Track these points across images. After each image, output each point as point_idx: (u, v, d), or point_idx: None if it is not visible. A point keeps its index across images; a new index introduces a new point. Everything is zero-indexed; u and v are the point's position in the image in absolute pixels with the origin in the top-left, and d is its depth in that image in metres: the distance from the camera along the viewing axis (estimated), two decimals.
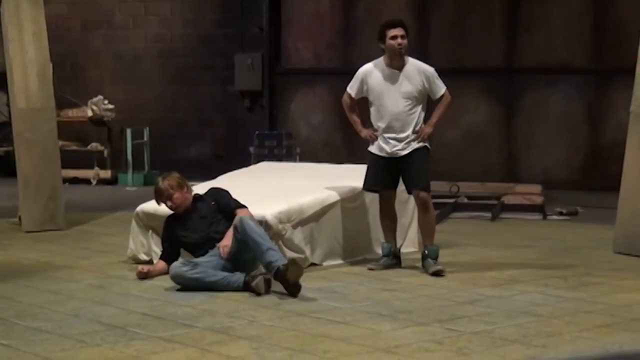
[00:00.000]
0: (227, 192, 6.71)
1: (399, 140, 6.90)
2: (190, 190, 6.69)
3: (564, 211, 10.89)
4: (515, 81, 14.88)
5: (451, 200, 11.18)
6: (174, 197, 6.55)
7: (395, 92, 6.88)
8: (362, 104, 7.18)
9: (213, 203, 6.61)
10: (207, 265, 6.20)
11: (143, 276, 6.52)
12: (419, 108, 6.94)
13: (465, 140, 14.86)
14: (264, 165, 9.58)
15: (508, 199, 11.31)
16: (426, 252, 6.92)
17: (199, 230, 6.49)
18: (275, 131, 14.93)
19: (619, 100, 13.16)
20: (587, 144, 14.53)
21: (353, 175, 8.03)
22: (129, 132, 14.94)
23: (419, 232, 7.54)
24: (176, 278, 6.11)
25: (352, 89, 7.14)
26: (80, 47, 16.70)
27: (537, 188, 11.94)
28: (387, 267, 6.99)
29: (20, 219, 9.31)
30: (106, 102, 15.08)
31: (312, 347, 4.69)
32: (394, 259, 7.07)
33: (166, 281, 6.43)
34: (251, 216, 6.35)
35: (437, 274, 6.70)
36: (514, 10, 14.73)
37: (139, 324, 5.19)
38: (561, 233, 9.34)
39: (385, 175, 7.00)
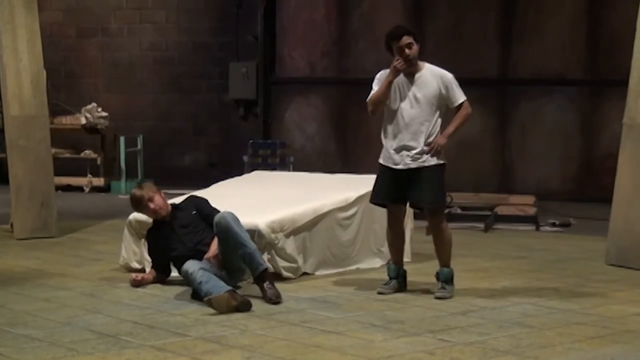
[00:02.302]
0: (206, 200, 6.66)
1: (410, 150, 6.33)
2: (166, 199, 6.65)
3: (557, 222, 10.91)
4: (510, 91, 14.88)
5: (444, 211, 11.16)
6: (154, 199, 6.47)
7: (409, 98, 6.37)
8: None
9: (194, 212, 6.54)
10: (211, 270, 6.01)
11: (137, 284, 6.51)
12: (434, 118, 6.38)
13: (459, 150, 14.84)
14: (257, 174, 9.57)
15: (501, 210, 11.31)
16: (438, 273, 6.54)
17: (185, 241, 6.40)
18: (269, 140, 14.89)
19: (613, 112, 13.16)
20: (580, 155, 14.52)
21: (347, 185, 8.04)
22: (122, 139, 14.91)
23: (411, 243, 7.53)
24: (184, 275, 5.99)
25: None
26: (75, 55, 16.67)
27: (530, 199, 11.94)
28: (397, 290, 6.47)
29: (12, 226, 9.29)
30: (100, 109, 15.06)
31: (304, 357, 4.68)
32: (402, 281, 6.56)
33: (158, 290, 6.43)
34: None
35: (440, 298, 6.32)
36: (509, 20, 14.75)
37: (131, 332, 5.18)
38: (554, 244, 9.34)
39: (393, 188, 6.41)
